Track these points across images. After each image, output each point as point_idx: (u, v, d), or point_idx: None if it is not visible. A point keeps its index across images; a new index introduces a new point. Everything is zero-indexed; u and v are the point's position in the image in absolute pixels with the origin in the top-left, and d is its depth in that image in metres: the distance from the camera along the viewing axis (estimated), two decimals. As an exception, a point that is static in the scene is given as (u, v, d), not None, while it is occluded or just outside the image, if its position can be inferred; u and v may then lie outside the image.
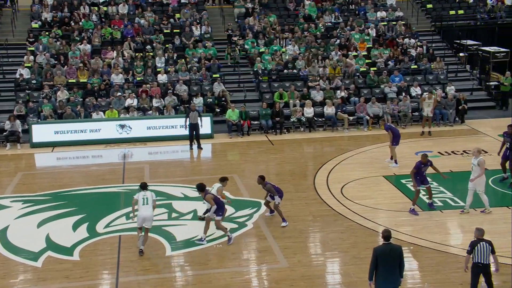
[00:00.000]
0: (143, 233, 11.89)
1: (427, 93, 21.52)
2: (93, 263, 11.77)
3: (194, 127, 19.38)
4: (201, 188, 12.37)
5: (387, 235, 9.13)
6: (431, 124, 20.82)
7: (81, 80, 23.13)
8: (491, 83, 24.80)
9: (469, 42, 27.13)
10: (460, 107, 21.72)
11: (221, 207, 12.32)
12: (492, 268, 9.67)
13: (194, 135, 19.46)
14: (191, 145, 19.53)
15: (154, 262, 11.75)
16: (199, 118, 19.40)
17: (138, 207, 11.87)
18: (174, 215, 14.04)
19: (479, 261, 9.48)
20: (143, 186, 12.11)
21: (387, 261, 8.97)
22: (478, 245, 9.48)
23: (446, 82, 23.67)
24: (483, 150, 18.41)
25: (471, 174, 13.46)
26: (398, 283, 9.14)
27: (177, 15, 27.32)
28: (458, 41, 27.35)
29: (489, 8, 29.14)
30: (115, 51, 24.49)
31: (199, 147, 19.48)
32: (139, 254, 11.85)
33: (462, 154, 18.21)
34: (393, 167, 16.93)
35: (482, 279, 9.66)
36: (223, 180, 13.06)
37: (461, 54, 26.70)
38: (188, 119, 19.35)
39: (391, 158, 17.26)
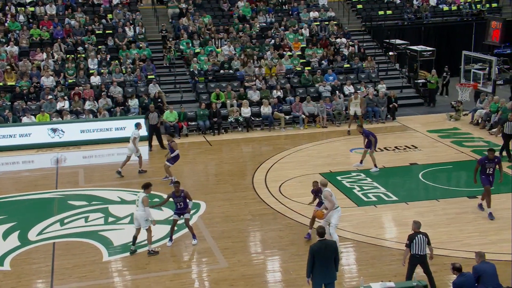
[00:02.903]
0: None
1: (353, 93, 22.13)
2: (26, 272, 11.36)
3: (153, 128, 19.27)
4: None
5: (321, 231, 9.35)
6: (363, 122, 21.31)
7: (9, 83, 22.22)
8: (419, 81, 25.79)
9: (398, 41, 28.08)
10: (391, 105, 22.45)
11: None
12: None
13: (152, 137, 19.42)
14: (150, 146, 19.39)
15: (90, 268, 11.47)
16: (158, 118, 19.43)
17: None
18: (110, 219, 13.76)
19: (417, 252, 9.87)
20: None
21: (323, 257, 9.18)
22: (416, 237, 9.87)
23: (377, 80, 24.41)
24: (413, 145, 19.20)
25: None
26: (335, 277, 9.39)
27: (109, 16, 26.75)
28: (388, 41, 28.27)
29: (415, 9, 30.31)
30: (44, 53, 23.69)
31: (162, 147, 19.27)
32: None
33: (394, 150, 18.83)
34: (374, 172, 16.41)
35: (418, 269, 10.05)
36: (146, 187, 12.09)
37: (390, 53, 27.59)
38: (147, 120, 19.21)
39: (375, 166, 16.64)
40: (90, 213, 14.13)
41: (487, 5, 31.00)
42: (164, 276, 11.14)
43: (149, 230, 11.94)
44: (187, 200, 12.30)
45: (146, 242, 12.10)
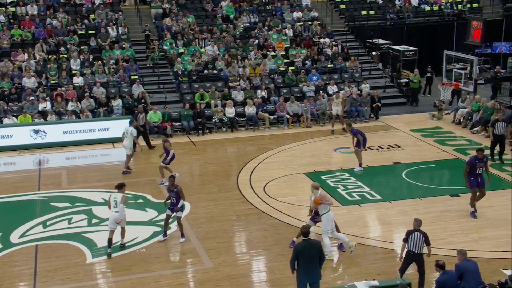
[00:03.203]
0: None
1: (336, 92, 22.21)
2: (8, 275, 11.24)
3: (142, 128, 19.23)
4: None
5: (305, 231, 9.39)
6: (344, 122, 21.32)
7: (-10, 84, 21.98)
8: (402, 81, 25.98)
9: (381, 41, 28.26)
10: (374, 105, 22.58)
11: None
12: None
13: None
14: (134, 146, 19.19)
15: (74, 270, 11.37)
16: (145, 119, 19.57)
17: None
18: (94, 221, 13.66)
19: (411, 249, 9.97)
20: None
21: (307, 257, 9.21)
22: (412, 234, 9.98)
23: (360, 80, 24.54)
24: (396, 144, 19.34)
25: None
26: (319, 277, 9.42)
27: (92, 16, 26.53)
28: (371, 41, 28.44)
29: (398, 9, 30.54)
30: (26, 54, 23.43)
31: (151, 147, 19.29)
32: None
33: (377, 149, 18.95)
34: (358, 171, 16.55)
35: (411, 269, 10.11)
36: (121, 187, 12.10)
37: (373, 53, 27.77)
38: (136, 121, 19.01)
39: (360, 165, 16.75)
40: (73, 214, 14.01)
41: (468, 5, 31.31)
42: (149, 277, 11.08)
43: (124, 228, 12.12)
44: (179, 197, 12.31)
45: (130, 243, 12.11)
